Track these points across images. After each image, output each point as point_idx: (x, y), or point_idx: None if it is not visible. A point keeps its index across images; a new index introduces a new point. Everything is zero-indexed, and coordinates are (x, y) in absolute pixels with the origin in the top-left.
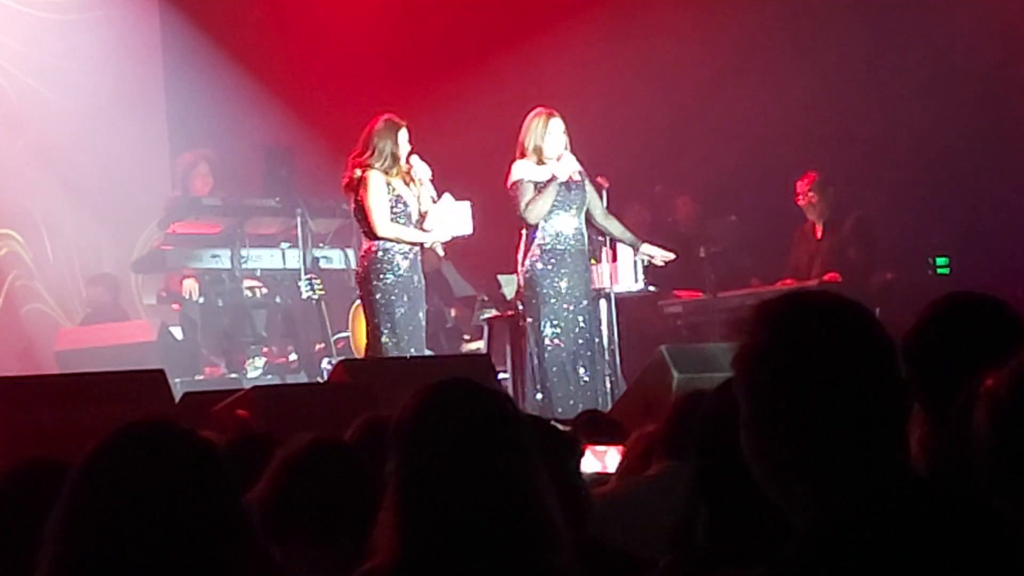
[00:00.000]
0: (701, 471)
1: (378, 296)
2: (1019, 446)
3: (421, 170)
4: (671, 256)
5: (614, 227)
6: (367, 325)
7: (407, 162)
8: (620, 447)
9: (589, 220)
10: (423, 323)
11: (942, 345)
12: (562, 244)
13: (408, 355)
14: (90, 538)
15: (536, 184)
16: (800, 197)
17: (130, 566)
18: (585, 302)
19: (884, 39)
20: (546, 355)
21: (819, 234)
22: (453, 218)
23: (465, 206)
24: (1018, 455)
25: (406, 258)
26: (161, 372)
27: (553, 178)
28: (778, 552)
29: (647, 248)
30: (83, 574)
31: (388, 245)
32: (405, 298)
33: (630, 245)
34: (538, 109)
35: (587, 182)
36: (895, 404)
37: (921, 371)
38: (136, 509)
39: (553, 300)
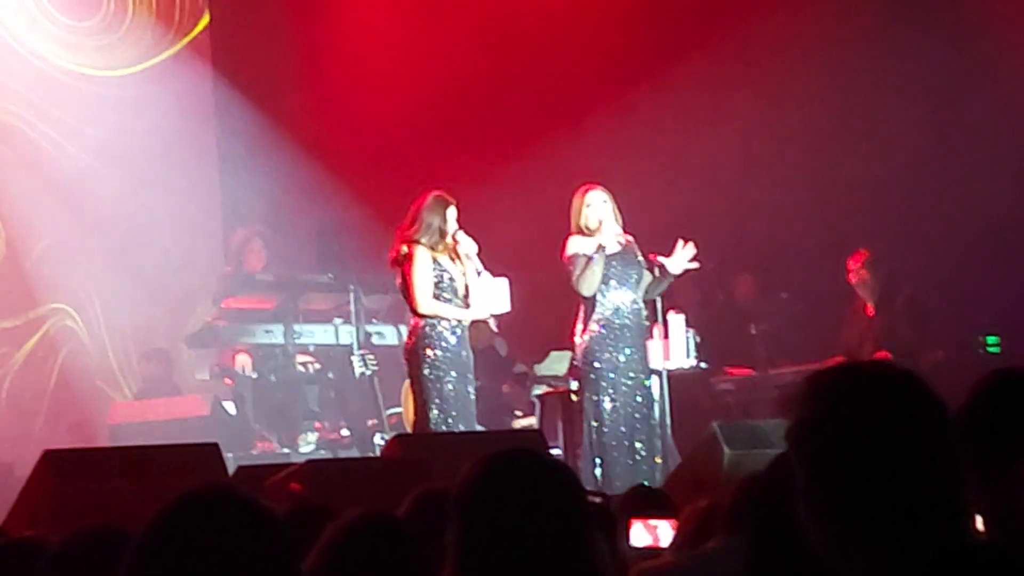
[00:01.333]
0: (755, 545)
1: (427, 371)
2: None
3: (467, 245)
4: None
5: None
6: (415, 400)
7: (453, 238)
8: (672, 521)
9: None
10: (472, 397)
11: (994, 421)
12: (620, 318)
13: (457, 430)
14: None
15: (587, 255)
16: (852, 275)
17: None
18: (642, 377)
19: (941, 119)
20: (605, 429)
21: (871, 312)
22: (491, 295)
23: (503, 283)
24: None
25: (454, 333)
26: (215, 446)
27: (600, 248)
28: None
29: (664, 260)
30: None
31: (435, 320)
32: (453, 373)
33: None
34: (579, 189)
35: (640, 258)
36: (952, 469)
37: (974, 447)
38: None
39: (611, 374)
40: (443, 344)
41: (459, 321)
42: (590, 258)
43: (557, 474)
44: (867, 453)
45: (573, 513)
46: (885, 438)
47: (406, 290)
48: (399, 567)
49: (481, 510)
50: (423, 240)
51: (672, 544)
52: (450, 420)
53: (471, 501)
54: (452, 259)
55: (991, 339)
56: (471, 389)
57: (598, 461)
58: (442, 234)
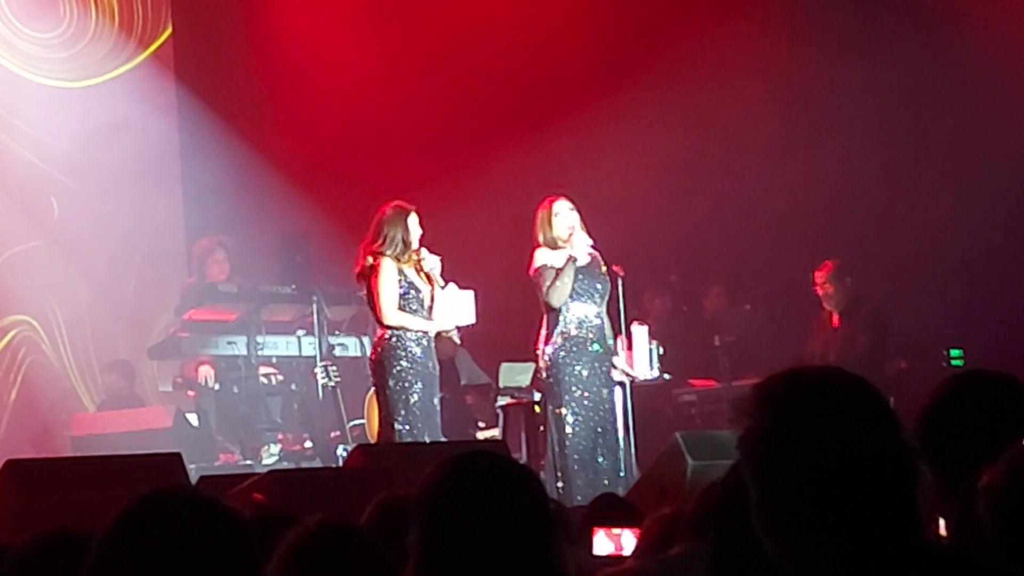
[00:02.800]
0: (717, 552)
1: (392, 382)
2: (1021, 539)
3: (431, 261)
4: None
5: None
6: (380, 411)
7: (417, 253)
8: (635, 530)
9: None
10: (437, 409)
11: (956, 423)
12: (583, 331)
13: (422, 441)
14: None
15: (556, 267)
16: (818, 286)
17: None
18: (605, 391)
19: (909, 131)
20: (567, 443)
21: (836, 323)
22: (457, 308)
23: (468, 296)
24: (1021, 547)
25: (419, 344)
26: (177, 455)
27: (571, 259)
28: None
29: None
30: None
31: (401, 331)
32: (419, 384)
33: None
34: (543, 201)
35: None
36: (902, 473)
37: (936, 448)
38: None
39: (574, 388)
40: (409, 355)
41: (424, 332)
42: (560, 269)
43: (520, 476)
44: (815, 461)
45: (535, 514)
46: (833, 445)
47: (372, 302)
48: (359, 573)
49: (444, 510)
50: (388, 252)
51: (635, 552)
52: (415, 431)
53: (434, 501)
54: (417, 271)
55: (955, 352)
56: (436, 401)
57: (559, 475)
58: (406, 244)
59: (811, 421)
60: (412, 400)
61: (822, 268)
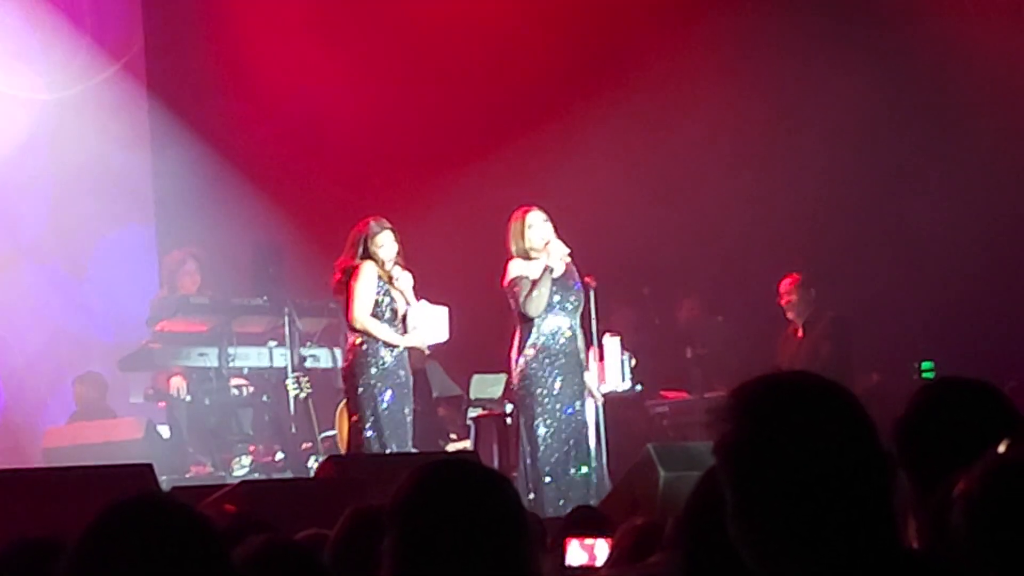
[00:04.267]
0: (689, 560)
1: (361, 390)
2: (996, 547)
3: (403, 280)
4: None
5: None
6: (349, 418)
7: (389, 271)
8: (607, 540)
9: None
10: (408, 419)
11: (934, 429)
12: (557, 344)
13: (390, 450)
14: None
15: (532, 278)
16: (783, 297)
17: None
18: (578, 403)
19: (877, 140)
20: (539, 455)
21: (800, 335)
22: (430, 324)
23: (443, 312)
24: (996, 555)
25: (391, 353)
26: (149, 466)
27: (547, 269)
28: None
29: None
30: None
31: (372, 338)
32: (389, 392)
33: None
34: (516, 213)
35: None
36: (877, 479)
37: (912, 455)
38: None
39: (547, 400)
40: (379, 363)
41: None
42: (536, 280)
43: (494, 483)
44: (792, 467)
45: (510, 521)
46: (809, 451)
47: (346, 304)
48: None
49: (418, 517)
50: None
51: (608, 561)
52: (383, 439)
53: (408, 508)
54: (390, 287)
55: (926, 364)
56: (408, 410)
57: (531, 487)
58: (381, 261)
59: (787, 427)
60: (381, 407)
61: (786, 279)
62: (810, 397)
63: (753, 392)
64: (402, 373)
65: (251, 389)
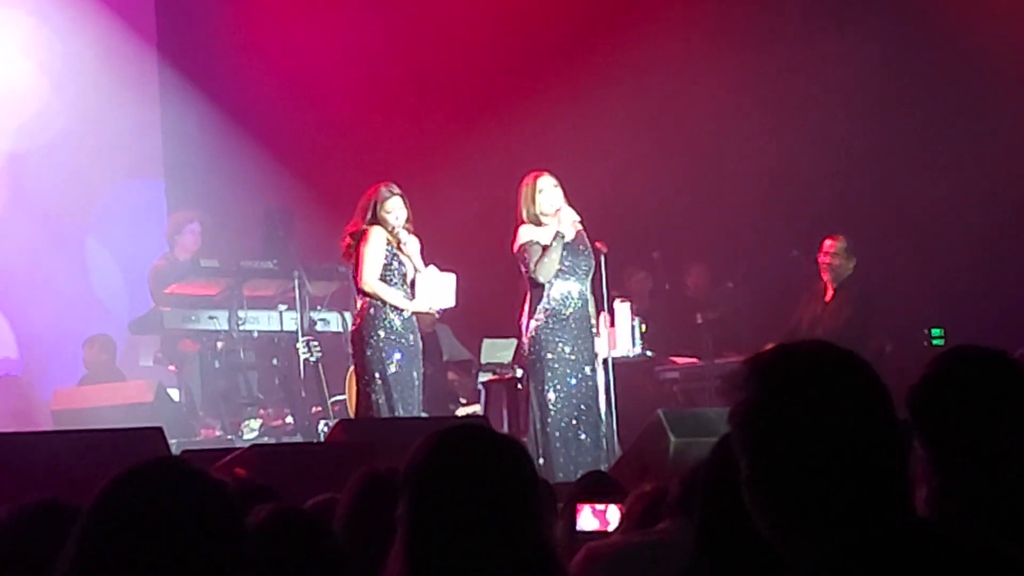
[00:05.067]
0: (703, 527)
1: (370, 353)
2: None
3: (411, 245)
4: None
5: None
6: (358, 383)
7: (397, 236)
8: (619, 506)
9: None
10: (418, 383)
11: (948, 397)
12: (567, 308)
13: (398, 413)
14: (103, 574)
15: (543, 244)
16: (823, 256)
17: None
18: (588, 368)
19: (884, 113)
20: (549, 420)
21: (829, 296)
22: (437, 290)
23: (450, 279)
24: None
25: (400, 316)
26: (159, 430)
27: (558, 234)
28: None
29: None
30: None
31: (380, 302)
32: (397, 355)
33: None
34: (526, 177)
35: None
36: (892, 451)
37: (927, 423)
38: (150, 545)
39: (557, 365)
40: (388, 325)
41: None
42: (548, 245)
43: (507, 448)
44: (807, 435)
45: (524, 486)
46: (825, 420)
47: (355, 268)
48: (312, 562)
49: (431, 483)
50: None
51: (619, 527)
52: (392, 403)
53: (422, 474)
54: (399, 252)
55: (936, 331)
56: (417, 374)
57: (540, 452)
58: (390, 227)
59: (803, 395)
60: (389, 370)
61: (829, 239)
62: (827, 367)
63: (770, 360)
64: (411, 337)
65: (261, 353)
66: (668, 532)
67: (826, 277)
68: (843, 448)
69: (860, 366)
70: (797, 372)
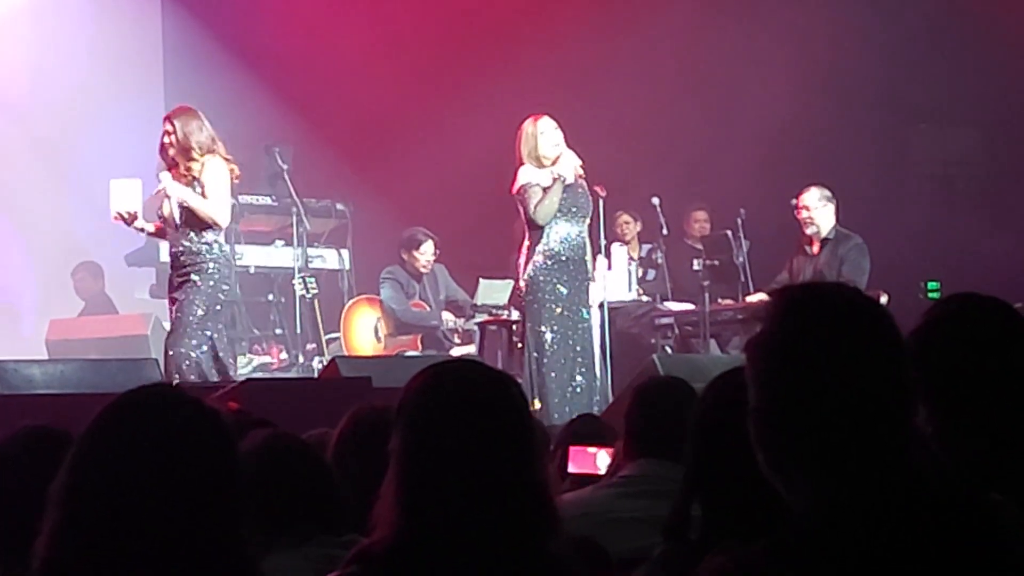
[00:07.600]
0: (696, 469)
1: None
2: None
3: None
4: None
5: None
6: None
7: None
8: (609, 449)
9: None
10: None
11: (947, 345)
12: (566, 251)
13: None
14: (96, 500)
15: (543, 186)
16: (800, 210)
17: (134, 528)
18: (584, 310)
19: (889, 70)
20: (545, 361)
21: (816, 250)
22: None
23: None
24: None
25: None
26: (154, 361)
27: (558, 177)
28: (774, 533)
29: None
30: (87, 537)
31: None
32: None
33: None
34: (527, 120)
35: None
36: (903, 399)
37: (926, 370)
38: (143, 470)
39: (554, 306)
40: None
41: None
42: (548, 187)
43: (502, 383)
44: (822, 375)
45: (518, 422)
46: (842, 363)
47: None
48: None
49: (426, 416)
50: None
51: (608, 470)
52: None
53: (416, 407)
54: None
55: (932, 284)
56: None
57: (535, 393)
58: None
59: (825, 334)
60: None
61: (804, 192)
62: (853, 311)
63: (796, 295)
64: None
65: (257, 288)
66: (630, 480)
67: (809, 231)
68: (856, 392)
69: (885, 316)
70: (822, 310)
